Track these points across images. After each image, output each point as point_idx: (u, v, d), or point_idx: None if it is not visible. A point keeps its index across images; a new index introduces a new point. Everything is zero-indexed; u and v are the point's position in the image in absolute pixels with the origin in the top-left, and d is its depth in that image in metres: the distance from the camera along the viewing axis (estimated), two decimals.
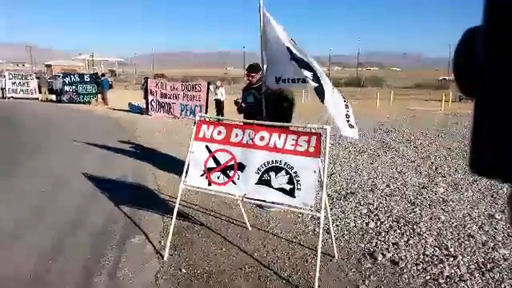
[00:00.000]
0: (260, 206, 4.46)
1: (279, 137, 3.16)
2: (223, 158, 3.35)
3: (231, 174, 3.30)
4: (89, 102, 19.63)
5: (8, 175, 6.00)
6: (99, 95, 20.03)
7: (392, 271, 3.17)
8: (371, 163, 6.87)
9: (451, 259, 3.31)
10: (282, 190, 3.07)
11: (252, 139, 3.25)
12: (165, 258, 3.39)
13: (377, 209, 4.56)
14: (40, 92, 21.48)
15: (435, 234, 3.85)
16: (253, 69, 4.77)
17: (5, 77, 20.74)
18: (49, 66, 38.59)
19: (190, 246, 3.65)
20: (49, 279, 3.07)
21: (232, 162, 3.31)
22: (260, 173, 3.18)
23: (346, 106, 3.54)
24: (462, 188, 5.35)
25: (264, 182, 3.15)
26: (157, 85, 13.69)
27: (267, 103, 4.23)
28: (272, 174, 3.12)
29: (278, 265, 3.29)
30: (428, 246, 3.58)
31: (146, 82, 14.67)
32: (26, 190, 5.32)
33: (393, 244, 3.64)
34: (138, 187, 5.54)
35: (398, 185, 5.55)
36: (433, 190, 5.26)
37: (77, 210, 4.54)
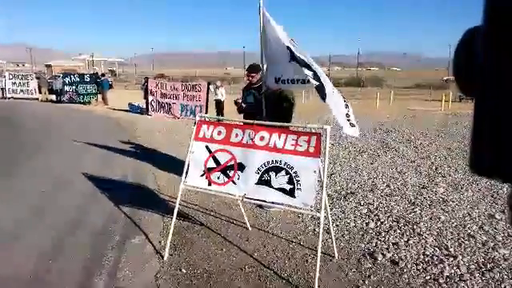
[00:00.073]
0: (260, 206, 4.46)
1: (279, 137, 3.16)
2: (223, 158, 3.35)
3: (231, 174, 3.30)
4: (89, 102, 19.63)
5: (8, 175, 6.00)
6: (99, 95, 20.02)
7: (392, 271, 3.17)
8: (371, 163, 6.87)
9: (451, 259, 3.31)
10: (282, 190, 3.07)
11: (252, 139, 3.26)
12: (165, 258, 3.39)
13: (377, 209, 4.56)
14: (40, 92, 21.47)
15: (435, 233, 3.85)
16: (253, 69, 4.77)
17: (5, 77, 20.76)
18: (49, 66, 38.59)
19: (190, 246, 3.65)
20: (49, 279, 3.07)
21: (232, 162, 3.31)
22: (260, 173, 3.18)
23: (346, 106, 3.54)
24: (462, 188, 5.35)
25: (264, 182, 3.15)
26: (157, 85, 13.69)
27: (267, 103, 4.23)
28: (272, 174, 3.12)
29: (278, 265, 3.29)
30: (428, 245, 3.58)
31: (146, 82, 14.67)
32: (26, 190, 5.32)
33: (393, 244, 3.64)
34: (138, 187, 5.54)
35: (398, 185, 5.55)
36: (433, 190, 5.26)
37: (77, 210, 4.54)
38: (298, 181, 3.01)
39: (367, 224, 4.13)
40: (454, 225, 4.06)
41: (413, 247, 3.56)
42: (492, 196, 4.95)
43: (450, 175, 6.04)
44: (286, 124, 3.74)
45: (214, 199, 4.77)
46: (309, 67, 3.39)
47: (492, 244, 3.59)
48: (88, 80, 20.02)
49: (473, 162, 0.53)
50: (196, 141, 3.50)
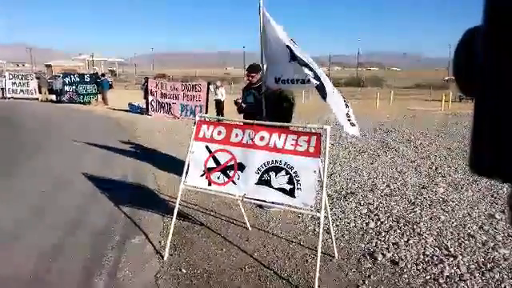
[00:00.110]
0: (260, 206, 4.46)
1: (279, 137, 3.16)
2: (223, 158, 3.35)
3: (231, 174, 3.30)
4: (89, 102, 19.63)
5: (8, 175, 6.00)
6: (99, 95, 20.03)
7: (392, 271, 3.17)
8: (371, 163, 6.87)
9: (451, 259, 3.31)
10: (282, 189, 3.07)
11: (252, 139, 3.26)
12: (165, 258, 3.39)
13: (377, 209, 4.56)
14: (40, 92, 21.47)
15: (435, 233, 3.85)
16: (253, 69, 4.77)
17: (5, 77, 20.76)
18: (49, 66, 38.58)
19: (190, 246, 3.65)
20: (49, 279, 3.07)
21: (232, 162, 3.31)
22: (260, 173, 3.18)
23: (346, 106, 3.54)
24: (462, 188, 5.35)
25: (264, 182, 3.15)
26: (157, 85, 13.69)
27: (267, 103, 4.23)
28: (272, 174, 3.12)
29: (278, 265, 3.29)
30: (428, 245, 3.58)
31: (146, 82, 14.67)
32: (26, 190, 5.32)
33: (393, 244, 3.64)
34: (138, 187, 5.54)
35: (398, 185, 5.55)
36: (433, 190, 5.26)
37: (77, 210, 4.54)
38: (298, 181, 3.01)
39: (367, 224, 4.13)
40: (454, 225, 4.07)
41: (413, 247, 3.56)
42: (492, 196, 4.95)
43: (450, 175, 6.04)
44: (286, 124, 3.74)
45: (213, 199, 4.77)
46: (309, 67, 3.39)
47: (492, 244, 3.59)
48: (88, 80, 20.02)
49: (473, 162, 0.53)
50: (196, 141, 3.50)
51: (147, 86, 14.15)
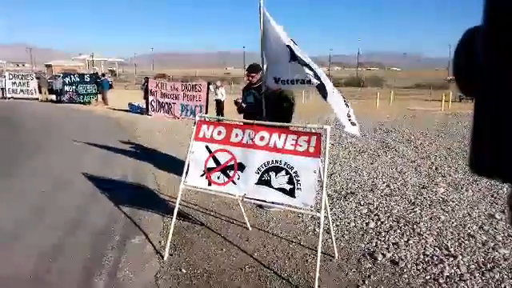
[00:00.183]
0: (260, 206, 4.46)
1: (279, 137, 3.16)
2: (223, 158, 3.35)
3: (231, 174, 3.30)
4: (89, 102, 19.63)
5: (8, 175, 6.00)
6: (99, 95, 20.03)
7: (392, 271, 3.17)
8: (371, 163, 6.87)
9: (451, 259, 3.31)
10: (282, 189, 3.07)
11: (252, 139, 3.25)
12: (165, 258, 3.39)
13: (377, 209, 4.56)
14: (40, 92, 21.47)
15: (435, 233, 3.85)
16: (253, 69, 4.77)
17: (5, 77, 20.76)
18: (49, 66, 38.57)
19: (190, 246, 3.65)
20: (49, 279, 3.07)
21: (232, 162, 3.31)
22: (260, 173, 3.18)
23: (347, 105, 3.54)
24: (462, 188, 5.35)
25: (264, 182, 3.15)
26: (157, 85, 13.68)
27: (267, 103, 4.23)
28: (272, 174, 3.12)
29: (278, 265, 3.29)
30: (428, 245, 3.58)
31: (147, 82, 14.67)
32: (26, 190, 5.32)
33: (393, 244, 3.64)
34: (138, 187, 5.54)
35: (398, 185, 5.55)
36: (433, 190, 5.26)
37: (77, 210, 4.54)
38: (298, 181, 3.01)
39: (367, 224, 4.13)
40: (454, 225, 4.07)
41: (413, 247, 3.56)
42: (492, 196, 4.95)
43: (450, 175, 6.04)
44: (286, 124, 3.74)
45: (214, 199, 4.77)
46: (309, 67, 3.39)
47: (492, 244, 3.59)
48: (88, 80, 20.02)
49: (473, 162, 0.53)
50: (196, 141, 3.50)
51: (147, 86, 14.16)
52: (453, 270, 3.14)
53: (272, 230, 4.03)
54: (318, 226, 2.93)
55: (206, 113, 10.56)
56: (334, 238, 3.41)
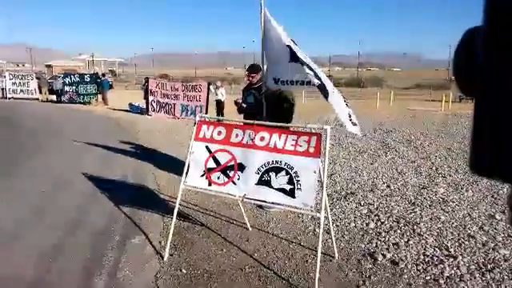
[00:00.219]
0: (260, 207, 4.46)
1: (279, 137, 3.16)
2: (223, 159, 3.35)
3: (231, 174, 3.30)
4: (89, 103, 19.63)
5: (8, 175, 6.00)
6: (99, 95, 20.03)
7: (392, 272, 3.17)
8: (371, 163, 6.87)
9: (451, 259, 3.31)
10: (282, 190, 3.07)
11: (252, 139, 3.25)
12: (165, 259, 3.39)
13: (377, 209, 4.56)
14: (40, 92, 21.49)
15: (435, 234, 3.85)
16: (253, 69, 4.77)
17: (5, 77, 20.77)
18: (49, 67, 38.60)
19: (190, 246, 3.65)
20: (49, 279, 3.07)
21: (232, 163, 3.31)
22: (260, 173, 3.18)
23: (347, 105, 3.55)
24: (462, 188, 5.34)
25: (264, 182, 3.15)
26: (157, 85, 13.69)
27: (267, 103, 4.23)
28: (272, 174, 3.12)
29: (278, 265, 3.29)
30: (428, 246, 3.58)
31: (147, 82, 14.68)
32: (26, 190, 5.32)
33: (393, 244, 3.63)
34: (138, 187, 5.54)
35: (398, 185, 5.54)
36: (433, 191, 5.25)
37: (77, 210, 4.54)
38: (298, 181, 3.01)
39: (367, 224, 4.13)
40: (454, 225, 4.06)
41: (413, 247, 3.56)
42: (492, 196, 4.94)
43: (450, 175, 6.04)
44: (286, 124, 3.74)
45: (214, 199, 4.77)
46: (309, 67, 3.40)
47: (492, 244, 3.59)
48: (88, 80, 20.03)
49: (473, 162, 0.52)
50: (196, 141, 3.50)
51: (147, 86, 14.16)
52: (453, 271, 3.14)
53: (272, 230, 4.03)
54: (318, 227, 2.93)
55: (206, 113, 10.56)
56: (334, 239, 3.41)
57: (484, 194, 5.03)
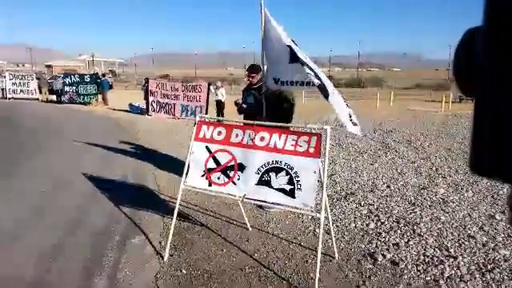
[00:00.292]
0: (260, 207, 4.46)
1: (279, 137, 3.16)
2: (223, 159, 3.35)
3: (231, 174, 3.30)
4: (89, 103, 19.63)
5: (8, 175, 6.01)
6: (99, 96, 20.03)
7: (392, 272, 3.16)
8: (371, 164, 6.87)
9: (451, 260, 3.31)
10: (282, 190, 3.07)
11: (252, 140, 3.25)
12: (165, 259, 3.39)
13: (377, 209, 4.56)
14: (40, 92, 21.49)
15: (435, 234, 3.84)
16: (253, 69, 4.78)
17: (5, 77, 20.78)
18: (49, 67, 38.62)
19: (190, 246, 3.65)
20: (49, 279, 3.07)
21: (232, 163, 3.31)
22: (260, 173, 3.18)
23: (347, 106, 3.55)
24: (462, 189, 5.34)
25: (264, 182, 3.15)
26: (157, 85, 13.70)
27: (267, 104, 4.23)
28: (272, 174, 3.12)
29: (278, 265, 3.29)
30: (428, 246, 3.58)
31: (147, 82, 14.68)
32: (26, 190, 5.32)
33: (393, 245, 3.63)
34: (139, 187, 5.54)
35: (398, 185, 5.54)
36: (433, 191, 5.25)
37: (77, 210, 4.54)
38: (298, 181, 3.01)
39: (367, 225, 4.13)
40: (454, 225, 4.06)
41: (413, 248, 3.56)
42: (492, 197, 4.94)
43: (450, 176, 6.04)
44: (286, 124, 3.74)
45: (214, 200, 4.77)
46: (309, 67, 3.40)
47: (492, 245, 3.59)
48: (88, 80, 20.03)
49: (473, 163, 0.52)
50: (196, 141, 3.50)
51: (147, 86, 14.15)
52: (453, 271, 3.14)
53: (272, 230, 4.03)
54: (318, 227, 2.93)
55: (207, 113, 10.57)
56: (334, 239, 3.41)
57: (484, 195, 5.03)
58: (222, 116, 12.10)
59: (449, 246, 3.58)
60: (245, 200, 3.27)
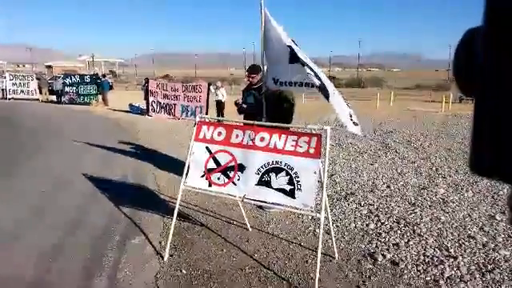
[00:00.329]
0: (260, 207, 4.46)
1: (279, 138, 3.16)
2: (223, 159, 3.35)
3: (231, 174, 3.30)
4: (89, 103, 19.63)
5: (8, 175, 6.01)
6: (100, 96, 20.03)
7: (392, 272, 3.16)
8: (371, 164, 6.87)
9: (451, 260, 3.31)
10: (282, 190, 3.07)
11: (252, 140, 3.25)
12: (165, 259, 3.39)
13: (377, 209, 4.56)
14: (40, 93, 21.50)
15: (435, 234, 3.84)
16: (253, 70, 4.78)
17: (5, 78, 20.79)
18: (49, 67, 38.63)
19: (190, 246, 3.65)
20: (49, 279, 3.07)
21: (232, 163, 3.31)
22: (260, 174, 3.18)
23: (348, 106, 3.55)
24: (462, 189, 5.34)
25: (264, 182, 3.15)
26: (157, 86, 13.70)
27: (267, 104, 4.23)
28: (272, 174, 3.12)
29: (278, 266, 3.29)
30: (428, 246, 3.58)
31: (147, 82, 14.69)
32: (26, 190, 5.32)
33: (393, 245, 3.63)
34: (139, 188, 5.54)
35: (398, 186, 5.54)
36: (433, 191, 5.25)
37: (77, 210, 4.54)
38: (298, 181, 3.01)
39: (367, 225, 4.13)
40: (454, 226, 4.06)
41: (413, 248, 3.56)
42: (492, 197, 4.94)
43: (450, 176, 6.04)
44: (286, 125, 3.74)
45: (214, 200, 4.77)
46: (310, 67, 3.40)
47: (492, 245, 3.59)
48: (88, 81, 20.03)
49: (473, 163, 0.53)
50: (196, 141, 3.50)
51: (148, 86, 14.16)
52: (453, 271, 3.14)
53: (272, 230, 4.03)
54: (318, 227, 2.93)
55: (207, 113, 10.57)
56: (334, 239, 3.41)
57: (484, 195, 5.03)
58: (222, 116, 12.10)
59: (449, 246, 3.58)
60: (245, 200, 3.27)
